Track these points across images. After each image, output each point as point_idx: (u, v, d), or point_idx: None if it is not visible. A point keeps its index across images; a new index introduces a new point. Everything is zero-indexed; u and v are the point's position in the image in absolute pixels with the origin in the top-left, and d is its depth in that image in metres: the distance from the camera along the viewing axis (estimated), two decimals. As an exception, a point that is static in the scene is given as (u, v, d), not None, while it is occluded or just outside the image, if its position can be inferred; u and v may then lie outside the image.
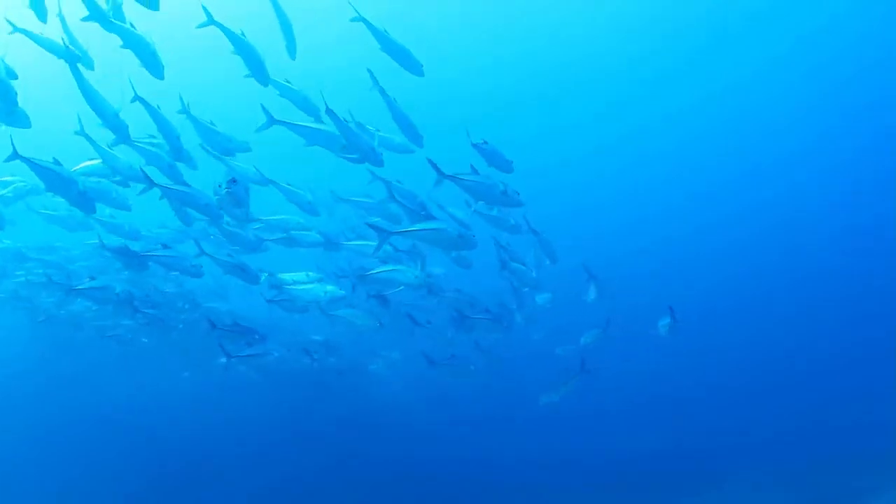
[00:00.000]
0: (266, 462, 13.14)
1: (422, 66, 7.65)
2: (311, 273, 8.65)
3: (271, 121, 7.09)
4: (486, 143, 7.41)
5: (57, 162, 6.59)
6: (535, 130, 30.67)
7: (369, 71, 7.24)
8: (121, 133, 7.16)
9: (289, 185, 8.45)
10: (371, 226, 6.62)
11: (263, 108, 7.13)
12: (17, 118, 6.60)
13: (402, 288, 7.76)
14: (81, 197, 6.80)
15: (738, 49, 28.44)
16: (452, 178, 6.41)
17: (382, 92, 7.35)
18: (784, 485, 11.74)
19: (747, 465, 12.69)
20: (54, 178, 6.56)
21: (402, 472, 12.79)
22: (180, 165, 7.59)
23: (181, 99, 7.48)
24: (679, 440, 13.81)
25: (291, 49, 8.28)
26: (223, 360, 8.30)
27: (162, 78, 7.25)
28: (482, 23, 28.20)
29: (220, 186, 6.71)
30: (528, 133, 29.39)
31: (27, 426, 13.53)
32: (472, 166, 6.80)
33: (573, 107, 31.62)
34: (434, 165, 6.36)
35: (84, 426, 13.54)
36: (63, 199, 7.51)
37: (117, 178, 7.63)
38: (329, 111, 6.87)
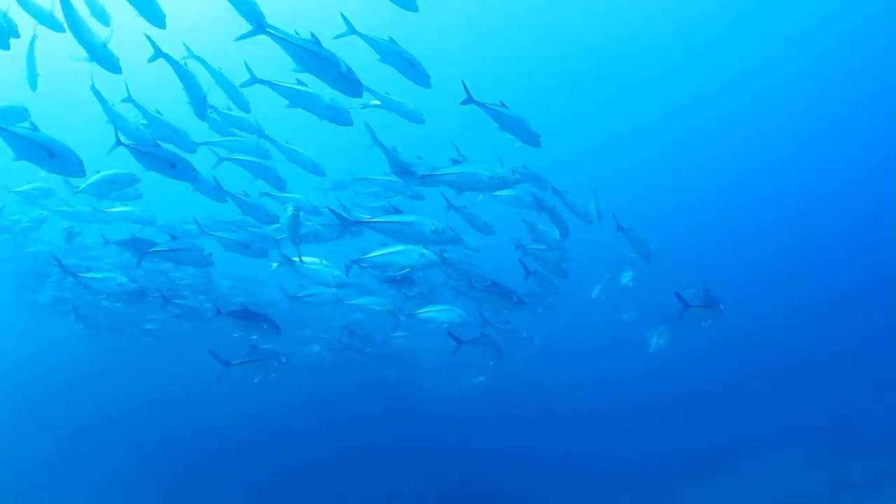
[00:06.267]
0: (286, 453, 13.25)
1: (428, 77, 6.84)
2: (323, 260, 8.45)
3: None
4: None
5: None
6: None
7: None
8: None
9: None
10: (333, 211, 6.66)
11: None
12: None
13: (407, 270, 7.19)
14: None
15: (741, 46, 28.64)
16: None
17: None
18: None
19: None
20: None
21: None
22: None
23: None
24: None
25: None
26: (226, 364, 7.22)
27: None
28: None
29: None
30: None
31: (65, 422, 13.92)
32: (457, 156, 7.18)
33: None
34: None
35: (121, 420, 13.87)
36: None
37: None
38: None
